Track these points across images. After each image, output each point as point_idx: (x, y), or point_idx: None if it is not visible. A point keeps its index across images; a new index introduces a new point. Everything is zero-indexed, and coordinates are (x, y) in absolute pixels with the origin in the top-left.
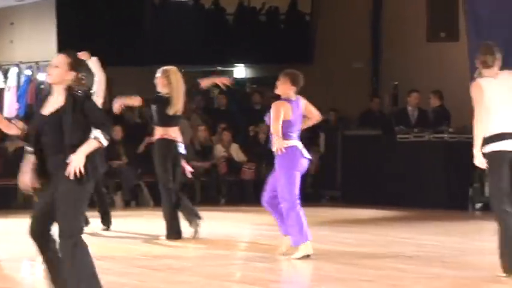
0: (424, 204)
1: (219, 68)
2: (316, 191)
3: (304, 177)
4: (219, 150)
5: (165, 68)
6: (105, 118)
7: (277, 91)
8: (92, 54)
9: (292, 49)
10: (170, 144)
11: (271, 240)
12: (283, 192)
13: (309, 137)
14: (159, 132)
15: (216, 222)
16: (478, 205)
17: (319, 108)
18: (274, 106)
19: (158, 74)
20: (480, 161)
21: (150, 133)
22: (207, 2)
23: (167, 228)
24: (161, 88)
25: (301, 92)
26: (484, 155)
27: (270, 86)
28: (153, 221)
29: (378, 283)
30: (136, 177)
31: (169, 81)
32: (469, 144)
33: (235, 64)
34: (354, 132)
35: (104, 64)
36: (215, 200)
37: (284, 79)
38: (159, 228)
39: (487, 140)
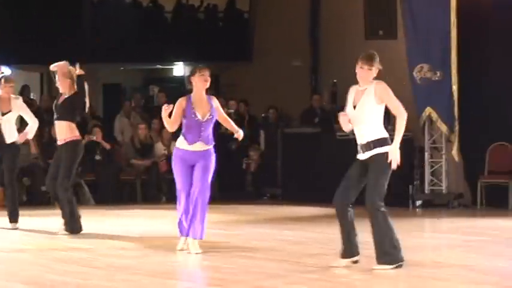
0: (365, 201)
1: (158, 66)
2: (257, 188)
3: (244, 175)
4: (160, 148)
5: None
6: None
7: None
8: (27, 52)
9: (231, 47)
10: None
11: (212, 238)
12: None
13: (249, 134)
14: None
15: (157, 221)
16: (419, 202)
17: (259, 106)
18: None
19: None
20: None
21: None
22: (145, 0)
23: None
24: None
25: (241, 90)
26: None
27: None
28: (94, 219)
29: (319, 280)
30: (76, 175)
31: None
32: (409, 141)
33: (174, 62)
34: (294, 130)
35: (41, 62)
36: (156, 198)
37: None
38: (100, 226)
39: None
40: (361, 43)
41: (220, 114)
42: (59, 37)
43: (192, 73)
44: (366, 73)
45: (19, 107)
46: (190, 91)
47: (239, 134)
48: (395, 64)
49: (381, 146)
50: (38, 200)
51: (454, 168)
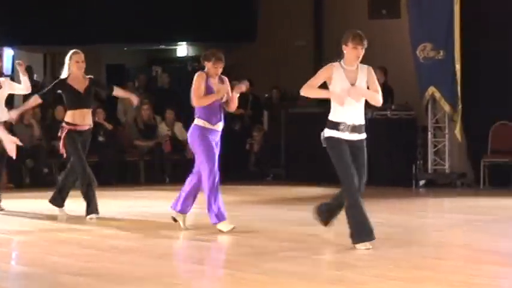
0: (368, 181)
1: (162, 46)
2: (260, 169)
3: (248, 156)
4: (163, 129)
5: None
6: None
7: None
8: (30, 33)
9: (235, 27)
10: None
11: None
12: None
13: (252, 115)
14: None
15: (161, 202)
16: (422, 182)
17: (262, 86)
18: None
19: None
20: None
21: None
22: None
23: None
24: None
25: (245, 70)
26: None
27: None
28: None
29: (324, 261)
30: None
31: None
32: (412, 121)
33: (178, 42)
34: (298, 110)
35: (43, 42)
36: (160, 179)
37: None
38: (104, 208)
39: None
40: (365, 23)
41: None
42: (61, 18)
43: (207, 59)
44: (360, 53)
45: (7, 85)
46: (199, 69)
47: (234, 94)
48: (399, 43)
49: (365, 131)
50: (41, 182)
51: (457, 147)
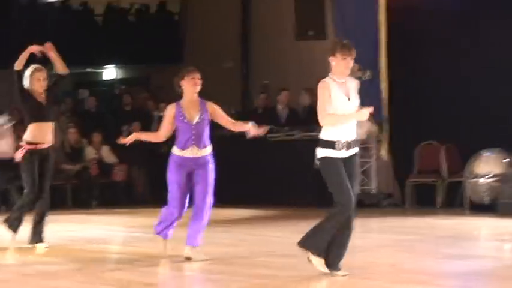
0: (296, 203)
1: (89, 69)
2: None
3: None
4: (90, 152)
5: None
6: None
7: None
8: None
9: (162, 49)
10: None
11: (145, 243)
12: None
13: None
14: None
15: (88, 225)
16: None
17: None
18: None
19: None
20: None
21: None
22: (75, 3)
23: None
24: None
25: (173, 92)
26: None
27: (140, 87)
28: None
29: (252, 282)
30: (6, 181)
31: None
32: None
33: (105, 65)
34: (225, 133)
35: None
36: (87, 203)
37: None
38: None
39: None
40: (292, 44)
41: (221, 117)
42: None
43: (181, 77)
44: (350, 63)
45: None
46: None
47: (250, 128)
48: (325, 64)
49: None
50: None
51: (384, 167)
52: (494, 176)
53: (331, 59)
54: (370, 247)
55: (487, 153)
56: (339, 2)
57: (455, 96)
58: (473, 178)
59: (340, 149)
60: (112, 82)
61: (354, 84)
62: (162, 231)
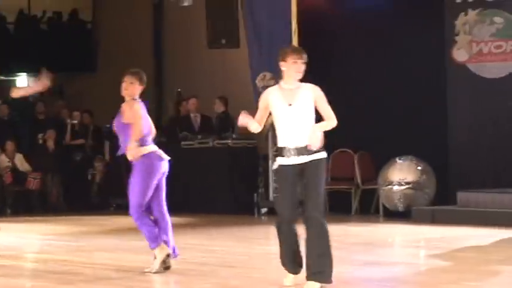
0: (211, 210)
1: (1, 77)
2: (103, 199)
3: (90, 186)
4: (3, 160)
5: None
6: None
7: (125, 93)
8: None
9: (75, 58)
10: None
11: (60, 250)
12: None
13: (93, 145)
14: None
15: (2, 234)
16: (264, 210)
17: (104, 116)
18: (132, 106)
19: None
20: None
21: None
22: None
23: None
24: None
25: (86, 100)
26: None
27: (54, 95)
28: None
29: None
30: None
31: None
32: (253, 150)
33: (17, 73)
34: None
35: None
36: (0, 211)
37: (132, 79)
38: None
39: None
40: (205, 52)
41: None
42: None
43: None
44: (301, 67)
45: None
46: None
47: None
48: (238, 72)
49: (319, 151)
50: None
51: None
52: (407, 183)
53: (281, 64)
54: None
55: (401, 161)
56: (251, 9)
57: (369, 104)
58: (387, 185)
59: (289, 156)
60: None
61: (308, 91)
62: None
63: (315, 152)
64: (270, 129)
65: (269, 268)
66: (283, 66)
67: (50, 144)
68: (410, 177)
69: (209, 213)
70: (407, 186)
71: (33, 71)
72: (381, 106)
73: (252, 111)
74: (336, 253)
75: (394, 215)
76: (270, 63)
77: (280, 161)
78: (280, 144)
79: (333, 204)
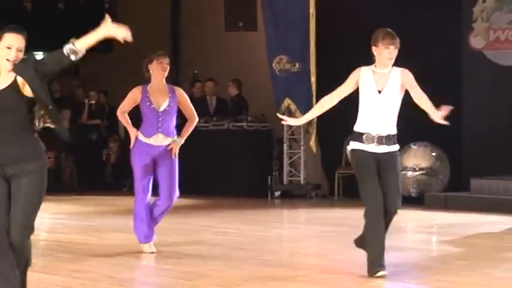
0: (224, 192)
1: None
2: (117, 179)
3: (104, 166)
4: None
5: None
6: None
7: (164, 74)
8: None
9: None
10: None
11: (72, 230)
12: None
13: (109, 125)
14: None
15: None
16: (277, 193)
17: (120, 96)
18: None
19: None
20: None
21: None
22: None
23: None
24: None
25: (102, 80)
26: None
27: (70, 74)
28: None
29: (177, 271)
30: None
31: None
32: (267, 133)
33: (35, 52)
34: None
35: None
36: None
37: (168, 61)
38: None
39: None
40: (222, 35)
41: (187, 109)
42: None
43: (150, 60)
44: (394, 53)
45: None
46: (148, 79)
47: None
48: (256, 55)
49: (396, 143)
50: None
51: (313, 159)
52: (421, 169)
53: (373, 49)
54: (297, 238)
55: (415, 146)
56: None
57: None
58: (402, 171)
59: (368, 143)
60: None
61: (397, 78)
62: (141, 235)
63: (393, 143)
64: (285, 113)
65: (281, 251)
66: (375, 51)
67: (65, 123)
68: (424, 163)
69: (223, 196)
70: (421, 172)
71: (50, 50)
72: None
73: (268, 94)
74: (349, 237)
75: (407, 201)
76: (287, 47)
77: (356, 145)
78: (360, 129)
79: (347, 188)
